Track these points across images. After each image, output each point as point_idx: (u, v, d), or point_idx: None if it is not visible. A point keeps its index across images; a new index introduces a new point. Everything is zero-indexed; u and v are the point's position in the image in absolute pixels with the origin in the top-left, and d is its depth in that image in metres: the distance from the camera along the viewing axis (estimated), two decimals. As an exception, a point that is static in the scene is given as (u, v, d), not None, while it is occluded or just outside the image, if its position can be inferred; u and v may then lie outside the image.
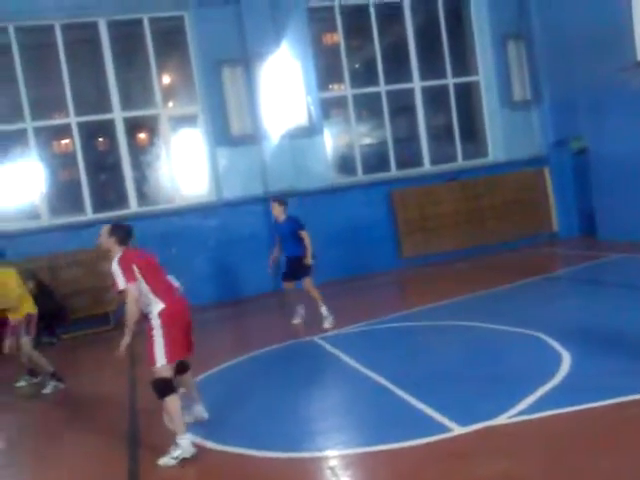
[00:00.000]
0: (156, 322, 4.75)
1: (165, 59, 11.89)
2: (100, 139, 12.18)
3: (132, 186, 11.45)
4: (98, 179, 11.67)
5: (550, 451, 4.04)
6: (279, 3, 11.62)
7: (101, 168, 11.91)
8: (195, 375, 6.72)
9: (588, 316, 7.15)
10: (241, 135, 11.64)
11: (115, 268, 4.74)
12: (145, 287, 4.78)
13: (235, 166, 11.59)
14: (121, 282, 4.71)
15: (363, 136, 13.30)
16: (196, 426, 5.22)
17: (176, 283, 5.17)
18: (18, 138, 11.01)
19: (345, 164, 12.75)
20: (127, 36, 11.67)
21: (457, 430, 4.46)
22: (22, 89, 10.84)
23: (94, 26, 11.19)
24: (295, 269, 8.42)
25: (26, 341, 7.10)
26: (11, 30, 10.74)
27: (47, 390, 7.13)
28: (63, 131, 11.45)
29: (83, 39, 11.54)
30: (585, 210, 12.67)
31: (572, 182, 13.06)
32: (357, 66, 13.35)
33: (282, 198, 8.81)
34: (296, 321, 8.75)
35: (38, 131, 11.11)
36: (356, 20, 12.84)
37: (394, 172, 12.81)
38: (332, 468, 4.29)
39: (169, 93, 12.19)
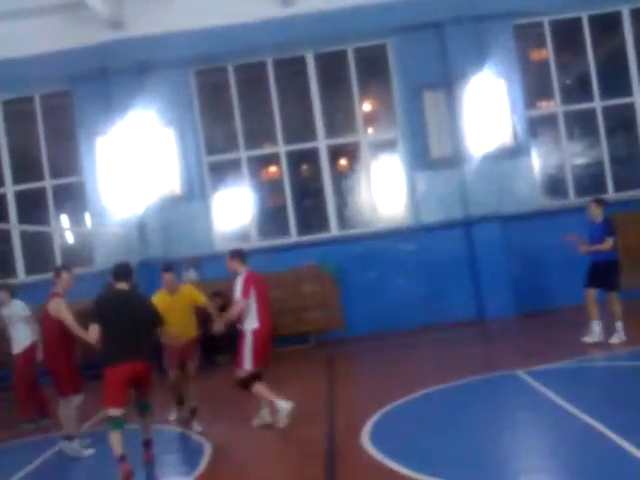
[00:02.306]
0: (248, 337, 6.21)
1: (367, 86, 12.15)
2: (304, 166, 12.75)
3: (333, 210, 11.79)
4: (302, 204, 12.19)
5: None
6: (483, 23, 11.31)
7: (305, 193, 12.44)
8: (393, 399, 6.64)
9: None
10: (441, 158, 11.43)
11: (239, 283, 6.23)
12: (254, 306, 6.22)
13: (434, 190, 11.40)
14: (238, 294, 6.19)
15: (575, 156, 12.27)
16: (400, 454, 5.04)
17: None
18: (233, 166, 11.96)
19: (555, 186, 11.86)
20: (332, 67, 12.15)
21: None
22: (238, 122, 11.78)
23: (302, 60, 11.84)
24: (601, 276, 8.04)
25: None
26: (230, 69, 11.78)
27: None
28: (272, 159, 12.20)
29: (291, 72, 12.26)
30: None
31: None
32: (568, 81, 12.44)
33: (601, 198, 8.59)
34: (589, 339, 8.10)
35: (250, 160, 11.97)
36: (567, 34, 12.04)
37: (611, 194, 11.60)
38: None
39: (369, 119, 12.41)
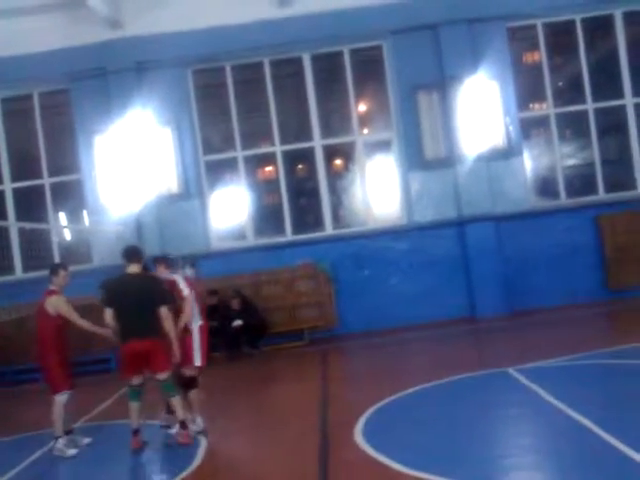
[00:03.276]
0: (196, 333, 6.33)
1: (362, 87, 12.26)
2: (300, 166, 12.88)
3: (328, 209, 11.92)
4: (298, 203, 12.33)
5: None
6: (477, 25, 11.43)
7: (301, 193, 12.57)
8: (385, 395, 6.78)
9: None
10: (435, 159, 11.56)
11: (181, 281, 6.30)
12: (195, 304, 6.36)
13: (428, 190, 11.53)
14: (185, 291, 6.24)
15: (567, 157, 12.44)
16: (392, 450, 5.18)
17: None
18: (229, 166, 12.08)
19: (546, 187, 12.01)
20: (328, 68, 12.27)
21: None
22: (234, 121, 11.89)
23: (298, 61, 11.95)
24: None
25: None
26: (227, 69, 11.88)
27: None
28: (268, 159, 12.32)
29: (288, 73, 12.37)
30: None
31: None
32: (560, 84, 12.59)
33: None
34: None
35: (247, 159, 12.08)
36: (560, 36, 12.18)
37: (602, 195, 11.78)
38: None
39: (364, 120, 12.53)
